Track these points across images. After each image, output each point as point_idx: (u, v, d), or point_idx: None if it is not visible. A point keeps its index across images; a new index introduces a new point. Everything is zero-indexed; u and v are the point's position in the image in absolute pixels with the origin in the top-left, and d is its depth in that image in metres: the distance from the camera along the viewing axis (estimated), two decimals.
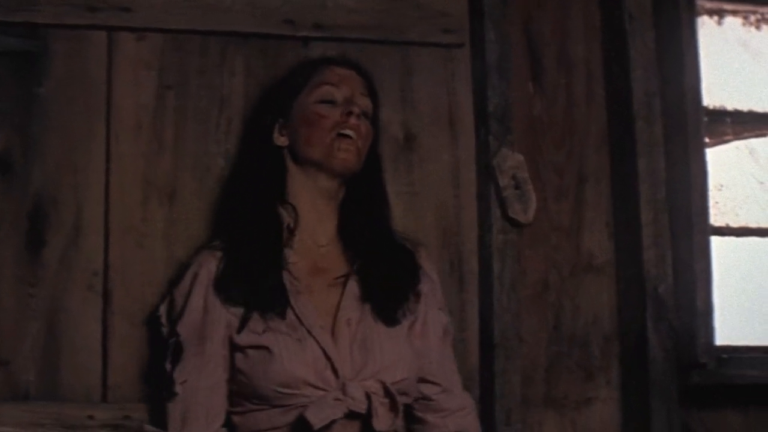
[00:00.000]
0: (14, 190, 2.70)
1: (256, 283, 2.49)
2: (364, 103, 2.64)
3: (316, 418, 2.38)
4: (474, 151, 2.98)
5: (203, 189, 2.79)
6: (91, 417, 2.63)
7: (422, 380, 2.62)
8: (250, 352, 2.46)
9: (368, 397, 2.43)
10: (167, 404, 2.48)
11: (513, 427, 2.85)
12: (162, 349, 2.55)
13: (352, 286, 2.57)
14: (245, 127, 2.80)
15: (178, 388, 2.45)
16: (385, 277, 2.59)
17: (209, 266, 2.53)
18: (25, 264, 2.68)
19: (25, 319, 2.67)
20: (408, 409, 2.62)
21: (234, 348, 2.49)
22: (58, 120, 2.75)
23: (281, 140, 2.63)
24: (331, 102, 2.60)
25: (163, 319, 2.57)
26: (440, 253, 2.88)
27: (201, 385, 2.46)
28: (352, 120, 2.57)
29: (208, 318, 2.49)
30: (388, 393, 2.46)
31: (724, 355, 3.05)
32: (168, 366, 2.50)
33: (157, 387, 2.55)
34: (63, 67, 2.77)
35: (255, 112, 2.77)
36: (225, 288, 2.49)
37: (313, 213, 2.62)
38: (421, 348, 2.62)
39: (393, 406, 2.45)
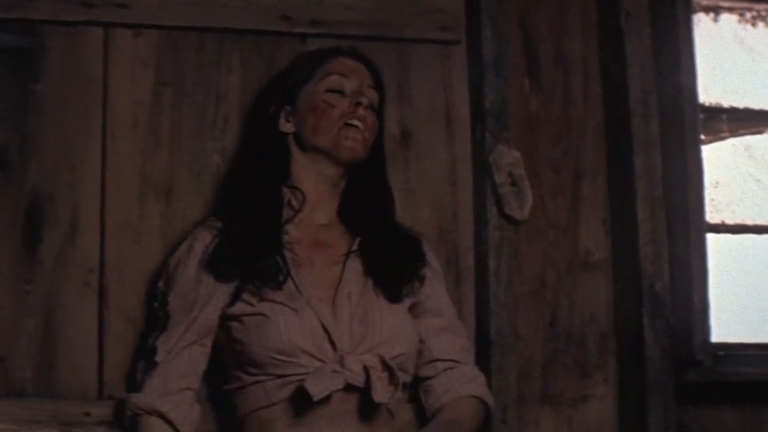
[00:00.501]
0: (10, 186, 2.70)
1: (255, 257, 2.51)
2: (372, 95, 2.66)
3: (315, 389, 2.38)
4: (470, 148, 2.98)
5: (200, 186, 2.79)
6: (87, 414, 2.62)
7: (438, 360, 2.67)
8: (246, 319, 2.47)
9: (366, 370, 2.44)
10: (147, 372, 2.50)
11: (509, 424, 2.85)
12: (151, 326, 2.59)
13: (355, 261, 2.59)
14: (250, 112, 2.80)
15: (159, 357, 2.48)
16: (389, 254, 2.62)
17: (204, 240, 2.55)
18: (22, 261, 2.68)
19: (21, 315, 2.66)
20: (427, 388, 2.68)
21: (228, 318, 2.50)
22: (55, 117, 2.74)
23: (287, 127, 2.65)
24: (340, 92, 2.63)
25: (158, 293, 2.59)
26: (437, 250, 2.86)
27: (179, 351, 2.49)
28: (360, 111, 2.60)
29: (201, 290, 2.51)
30: (386, 367, 2.47)
31: (721, 353, 3.05)
32: (155, 335, 2.52)
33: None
34: (59, 64, 2.76)
35: (261, 97, 2.78)
36: (218, 264, 2.51)
37: (315, 195, 2.64)
38: (433, 328, 2.67)
39: (392, 380, 2.47)
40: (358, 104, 2.60)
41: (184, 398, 2.50)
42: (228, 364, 2.53)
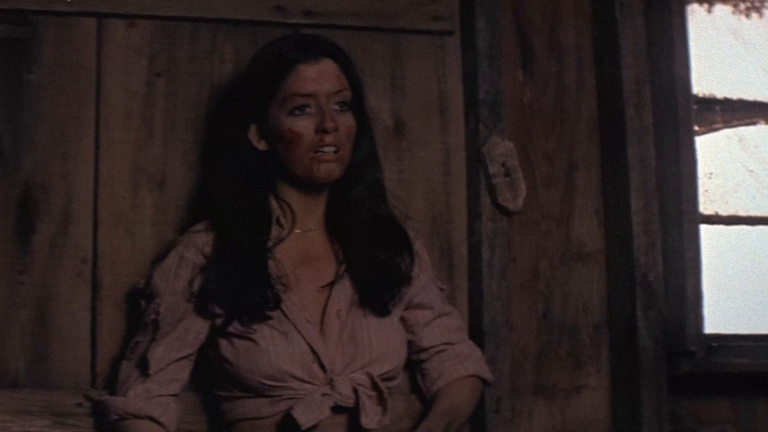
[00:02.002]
0: (3, 177, 2.69)
1: (242, 294, 2.48)
2: (341, 97, 2.55)
3: (303, 418, 2.40)
4: (464, 139, 2.98)
5: (193, 176, 2.79)
6: (80, 404, 2.63)
7: (429, 348, 2.69)
8: (236, 341, 2.47)
9: (355, 391, 2.45)
10: (136, 378, 2.50)
11: (502, 415, 2.86)
12: (139, 322, 2.57)
13: (343, 277, 2.57)
14: (220, 126, 2.73)
15: (152, 370, 2.48)
16: (377, 269, 2.58)
17: (196, 249, 2.53)
18: (15, 251, 2.68)
19: (14, 306, 2.66)
20: (422, 372, 2.71)
21: (218, 333, 2.50)
22: (48, 107, 2.74)
23: (262, 144, 2.58)
24: (305, 107, 2.52)
25: (143, 295, 2.57)
26: (430, 241, 2.87)
27: (169, 364, 2.49)
28: (328, 138, 2.51)
29: (192, 301, 2.50)
30: (375, 386, 2.48)
31: (714, 344, 3.06)
32: (141, 339, 2.52)
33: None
34: (53, 54, 2.76)
35: (228, 115, 2.67)
36: (205, 304, 2.49)
37: (299, 205, 2.60)
38: (423, 321, 2.68)
39: (380, 401, 2.47)
40: (324, 132, 2.50)
41: (170, 402, 2.51)
42: (217, 375, 2.54)
